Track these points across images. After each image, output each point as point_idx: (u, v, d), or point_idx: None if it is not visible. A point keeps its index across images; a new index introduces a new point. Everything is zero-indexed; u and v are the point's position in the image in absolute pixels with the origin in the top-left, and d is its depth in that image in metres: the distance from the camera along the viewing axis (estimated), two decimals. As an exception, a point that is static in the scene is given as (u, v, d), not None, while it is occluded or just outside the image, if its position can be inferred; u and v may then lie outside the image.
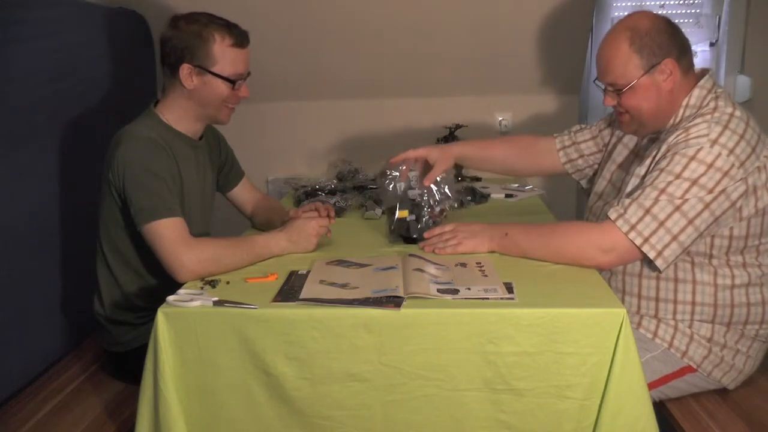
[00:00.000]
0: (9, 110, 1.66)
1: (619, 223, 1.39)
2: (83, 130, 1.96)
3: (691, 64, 1.53)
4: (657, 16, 1.51)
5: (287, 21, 2.38)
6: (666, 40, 1.47)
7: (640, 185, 1.43)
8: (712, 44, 2.62)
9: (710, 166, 1.37)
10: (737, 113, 1.44)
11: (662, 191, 1.38)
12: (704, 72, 1.54)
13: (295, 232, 1.58)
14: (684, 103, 1.50)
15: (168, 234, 1.45)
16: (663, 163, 1.41)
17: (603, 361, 1.21)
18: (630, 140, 1.69)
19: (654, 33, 1.46)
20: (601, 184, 1.73)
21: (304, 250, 1.57)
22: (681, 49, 1.48)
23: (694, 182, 1.37)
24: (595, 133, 1.83)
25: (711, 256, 1.47)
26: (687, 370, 1.51)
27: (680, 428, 1.46)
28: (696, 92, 1.50)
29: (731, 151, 1.38)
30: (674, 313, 1.51)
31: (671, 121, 1.52)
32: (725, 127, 1.40)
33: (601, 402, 1.22)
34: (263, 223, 1.86)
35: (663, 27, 1.48)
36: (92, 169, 1.96)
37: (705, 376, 1.52)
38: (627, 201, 1.41)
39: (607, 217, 1.42)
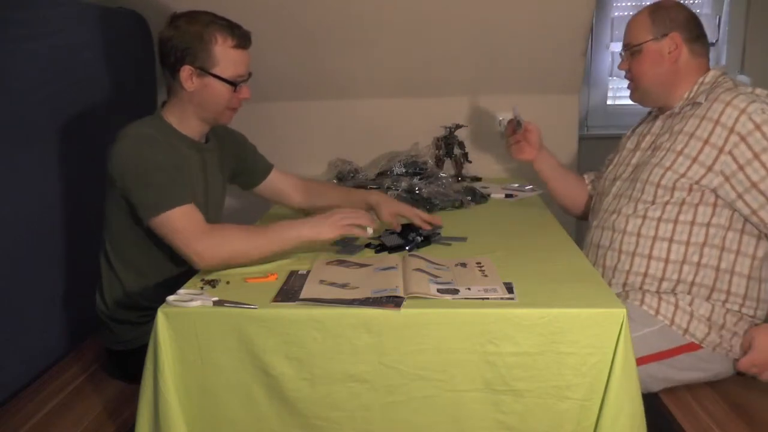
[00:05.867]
0: (8, 110, 1.66)
1: None
2: (83, 129, 1.96)
3: (704, 54, 1.69)
4: (683, 5, 1.69)
5: (286, 20, 2.38)
6: (681, 19, 1.65)
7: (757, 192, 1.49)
8: (712, 44, 2.62)
9: None
10: (758, 91, 1.56)
11: None
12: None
13: (320, 218, 1.53)
14: (700, 80, 1.66)
15: (179, 224, 1.44)
16: (761, 158, 1.46)
17: (603, 362, 1.21)
18: (644, 128, 1.79)
19: (672, 10, 1.66)
20: (614, 170, 1.80)
21: (325, 236, 1.51)
22: (694, 35, 1.66)
23: None
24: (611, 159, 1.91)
25: (728, 226, 1.55)
26: (692, 346, 1.54)
27: (673, 419, 1.48)
28: (712, 72, 1.67)
29: None
30: (679, 272, 1.55)
31: (686, 95, 1.65)
32: (755, 94, 1.53)
33: (602, 402, 1.22)
34: (328, 207, 1.82)
35: (684, 11, 1.67)
36: (92, 169, 1.96)
37: (710, 351, 1.54)
38: None
39: None
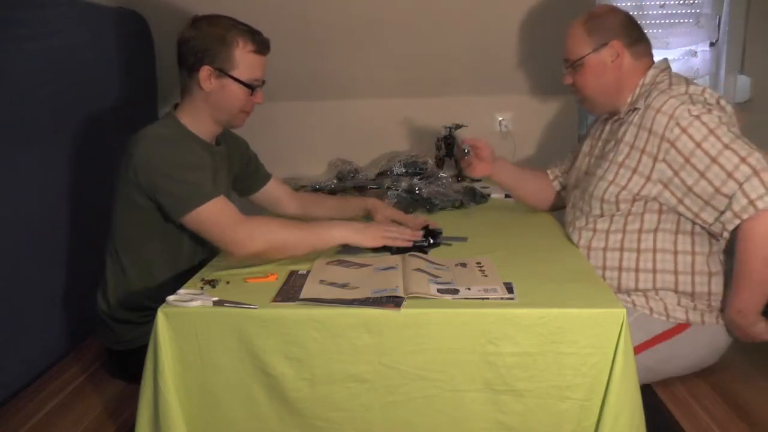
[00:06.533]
0: (9, 110, 1.66)
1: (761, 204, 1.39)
2: (83, 129, 1.96)
3: (647, 54, 1.66)
4: (616, 8, 1.69)
5: (287, 21, 2.38)
6: (617, 25, 1.63)
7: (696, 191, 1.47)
8: (712, 44, 2.62)
9: (709, 111, 1.47)
10: (691, 88, 1.54)
11: (725, 146, 1.42)
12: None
13: (364, 225, 1.57)
14: (640, 82, 1.63)
15: (215, 216, 1.45)
16: (688, 147, 1.45)
17: (603, 362, 1.21)
18: (596, 130, 1.79)
19: (606, 17, 1.65)
20: (572, 175, 1.82)
21: (368, 245, 1.53)
22: (634, 38, 1.63)
23: (733, 141, 1.43)
24: (575, 154, 1.90)
25: (677, 229, 1.54)
26: (679, 328, 1.55)
27: (672, 417, 1.48)
28: (651, 72, 1.64)
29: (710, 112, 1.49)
30: (636, 281, 1.56)
31: (629, 100, 1.64)
32: (687, 95, 1.52)
33: (602, 402, 1.22)
34: (324, 216, 1.87)
35: (618, 15, 1.65)
36: (92, 168, 1.96)
37: (700, 324, 1.55)
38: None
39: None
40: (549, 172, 2.01)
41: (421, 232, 1.63)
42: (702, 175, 1.45)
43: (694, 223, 1.53)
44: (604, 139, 1.71)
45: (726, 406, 1.51)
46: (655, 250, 1.55)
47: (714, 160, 1.43)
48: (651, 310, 1.55)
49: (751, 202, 1.39)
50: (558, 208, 1.99)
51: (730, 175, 1.41)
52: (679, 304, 1.55)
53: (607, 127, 1.72)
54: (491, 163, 1.92)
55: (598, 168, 1.65)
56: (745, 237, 1.42)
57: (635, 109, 1.59)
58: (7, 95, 1.66)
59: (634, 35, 1.64)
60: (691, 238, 1.55)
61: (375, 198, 1.97)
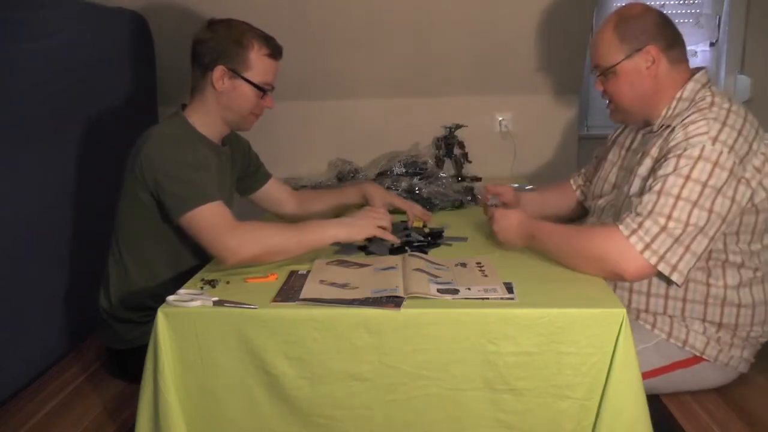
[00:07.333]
0: (9, 110, 1.66)
1: (633, 240, 1.33)
2: (83, 129, 1.96)
3: (683, 59, 1.53)
4: (649, 7, 1.53)
5: (287, 20, 2.38)
6: (651, 28, 1.49)
7: (647, 190, 1.39)
8: (712, 44, 2.62)
9: (715, 164, 1.34)
10: (734, 108, 1.43)
11: (677, 197, 1.33)
12: (700, 69, 1.54)
13: (354, 217, 1.58)
14: (678, 95, 1.50)
15: (209, 220, 1.45)
16: (668, 168, 1.37)
17: (603, 361, 1.21)
18: (625, 139, 1.70)
19: (640, 20, 1.50)
20: (599, 185, 1.73)
21: (359, 238, 1.55)
22: (669, 41, 1.50)
23: (704, 184, 1.33)
24: (599, 159, 1.84)
25: (708, 258, 1.46)
26: (695, 360, 1.51)
27: (676, 423, 1.47)
28: (690, 85, 1.50)
29: (731, 149, 1.36)
30: (665, 308, 1.51)
31: (664, 113, 1.51)
32: (723, 123, 1.39)
33: (601, 402, 1.22)
34: (327, 213, 1.89)
35: (651, 16, 1.51)
36: (92, 168, 1.97)
37: (712, 362, 1.51)
38: (639, 218, 1.35)
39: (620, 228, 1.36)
40: (572, 181, 1.96)
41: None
42: (656, 175, 1.37)
43: (726, 255, 1.46)
44: (634, 150, 1.62)
45: (726, 406, 1.51)
46: (686, 280, 1.43)
47: (673, 173, 1.35)
48: (669, 334, 1.51)
49: (633, 231, 1.33)
50: (583, 216, 1.93)
51: (659, 193, 1.34)
52: (703, 333, 1.50)
53: (638, 138, 1.62)
54: (518, 203, 1.85)
55: (626, 184, 1.54)
56: (604, 235, 1.37)
57: (669, 125, 1.48)
58: (7, 95, 1.66)
59: (670, 37, 1.50)
60: (722, 270, 1.48)
61: (373, 183, 1.98)
